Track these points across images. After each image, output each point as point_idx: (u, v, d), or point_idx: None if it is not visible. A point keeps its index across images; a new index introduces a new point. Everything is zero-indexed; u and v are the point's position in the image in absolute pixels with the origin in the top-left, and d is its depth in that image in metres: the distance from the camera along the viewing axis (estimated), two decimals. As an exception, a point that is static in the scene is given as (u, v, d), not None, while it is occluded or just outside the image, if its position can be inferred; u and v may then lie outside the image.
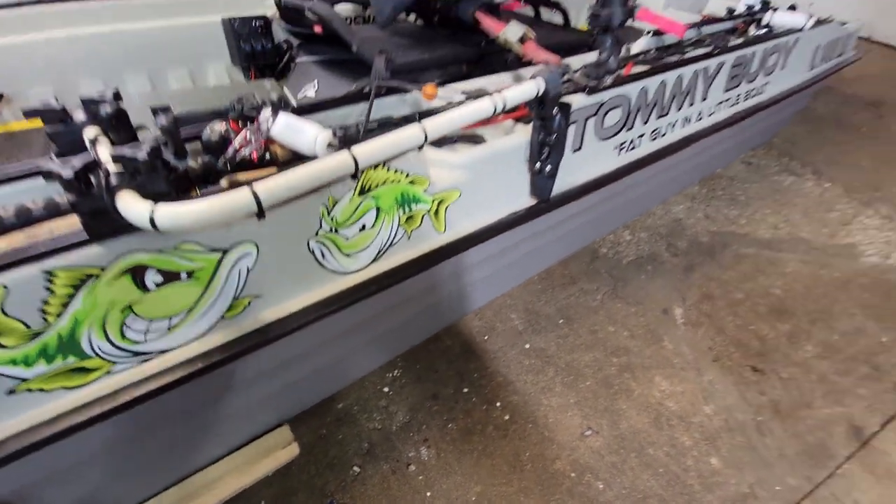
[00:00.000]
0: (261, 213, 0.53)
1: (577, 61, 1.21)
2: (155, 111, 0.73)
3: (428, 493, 1.13)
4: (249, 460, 0.95)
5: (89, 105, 0.63)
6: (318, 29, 1.36)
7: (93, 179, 0.55)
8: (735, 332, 1.52)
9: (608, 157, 1.15)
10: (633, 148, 1.21)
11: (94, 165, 0.53)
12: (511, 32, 1.11)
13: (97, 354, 0.59)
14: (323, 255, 0.74)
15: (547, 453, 1.23)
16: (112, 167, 0.53)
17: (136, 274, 0.58)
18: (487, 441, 1.24)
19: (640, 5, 1.47)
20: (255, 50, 1.51)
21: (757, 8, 1.81)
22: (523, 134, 0.92)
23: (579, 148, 1.06)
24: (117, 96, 0.64)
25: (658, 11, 2.47)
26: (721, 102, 1.45)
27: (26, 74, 1.22)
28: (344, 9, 1.71)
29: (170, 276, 0.61)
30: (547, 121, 0.86)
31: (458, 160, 0.86)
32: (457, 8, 1.22)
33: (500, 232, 0.95)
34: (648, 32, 1.46)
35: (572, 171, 1.07)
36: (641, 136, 1.22)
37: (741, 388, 1.37)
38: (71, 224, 0.58)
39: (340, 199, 0.71)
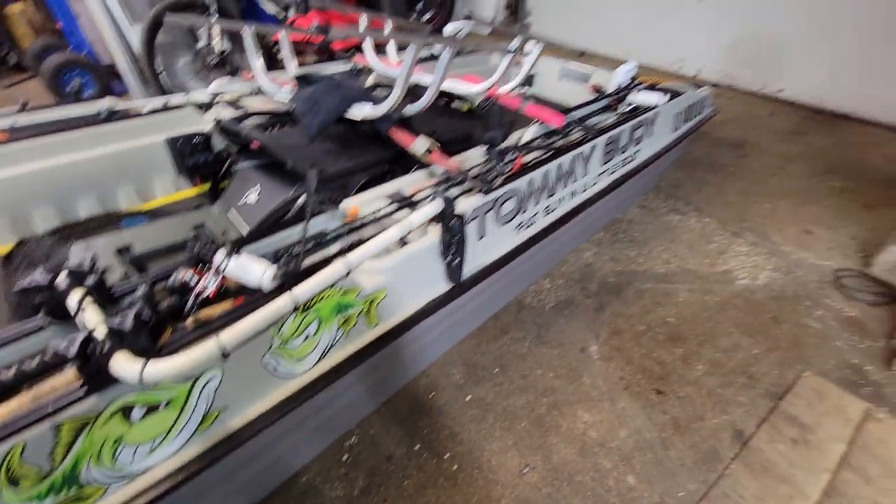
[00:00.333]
0: (226, 356, 0.71)
1: (477, 152, 1.48)
2: (121, 251, 0.89)
3: (390, 550, 1.27)
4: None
5: (74, 274, 0.79)
6: (254, 144, 1.56)
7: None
8: (640, 361, 1.80)
9: (509, 237, 1.40)
10: (530, 225, 1.48)
11: (90, 339, 0.68)
12: (419, 146, 1.37)
13: (94, 482, 0.72)
14: (276, 366, 0.91)
15: (492, 494, 1.41)
16: (103, 333, 0.69)
17: (125, 411, 0.73)
18: (440, 492, 1.40)
19: (527, 101, 1.80)
20: (198, 162, 1.69)
21: (626, 85, 2.21)
22: (434, 234, 1.14)
23: (483, 235, 1.30)
24: (95, 268, 0.80)
25: (554, 82, 2.88)
26: (601, 174, 1.77)
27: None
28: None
29: (151, 408, 0.76)
30: (449, 227, 1.10)
31: (382, 266, 1.06)
32: (374, 125, 1.46)
33: (424, 316, 1.16)
34: (536, 121, 1.77)
35: (480, 255, 1.31)
36: (535, 214, 1.49)
37: (648, 410, 1.63)
38: (67, 379, 0.72)
39: (287, 320, 0.89)
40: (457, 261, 1.16)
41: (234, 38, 3.46)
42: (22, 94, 4.34)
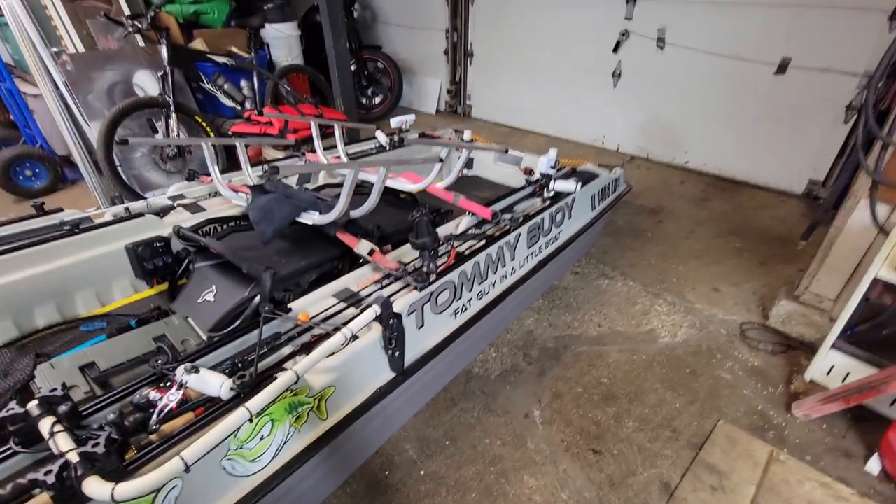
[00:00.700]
0: (188, 470, 0.82)
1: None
2: (85, 367, 1.00)
3: None
4: None
5: (46, 401, 0.89)
6: (212, 249, 1.70)
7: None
8: (579, 422, 1.97)
9: (447, 323, 1.59)
10: (465, 310, 1.68)
11: (66, 466, 0.78)
12: (362, 248, 1.56)
13: None
14: (233, 468, 1.02)
15: (445, 570, 1.48)
16: (75, 459, 0.79)
17: (94, 527, 0.81)
18: (395, 573, 1.47)
19: (458, 198, 2.06)
20: (157, 265, 1.80)
21: (550, 173, 2.53)
22: (376, 331, 1.31)
23: (422, 325, 1.48)
24: (68, 396, 0.91)
25: (492, 165, 3.20)
26: (527, 257, 2.01)
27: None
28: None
29: (117, 520, 0.84)
30: (388, 325, 1.27)
31: (329, 364, 1.21)
32: (323, 228, 1.65)
33: (372, 405, 1.29)
34: (470, 214, 2.01)
35: (420, 342, 1.48)
36: (470, 300, 1.69)
37: (586, 470, 1.78)
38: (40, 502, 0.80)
39: (242, 426, 1.01)
40: (397, 353, 1.32)
41: (192, 129, 3.67)
42: (-34, 185, 4.29)
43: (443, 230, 1.94)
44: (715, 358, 2.27)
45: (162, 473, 0.78)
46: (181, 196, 2.10)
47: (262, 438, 1.06)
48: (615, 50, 4.24)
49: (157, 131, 3.58)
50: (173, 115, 3.40)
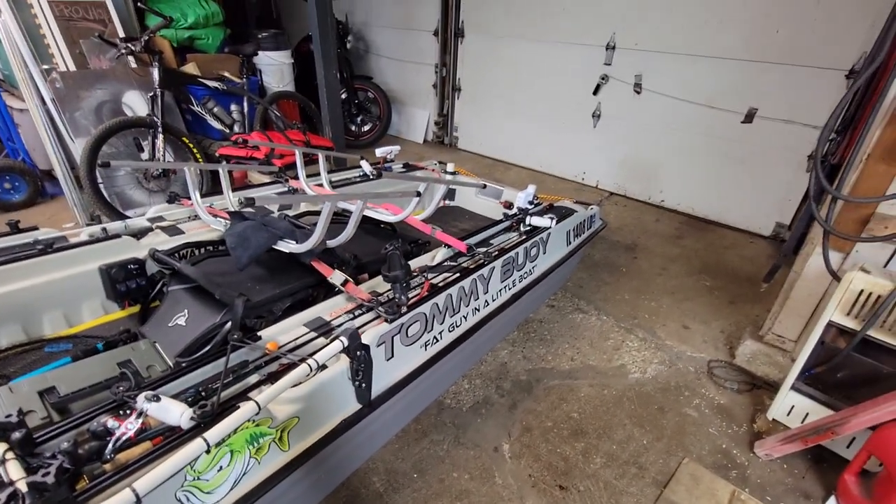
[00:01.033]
0: (139, 502, 0.82)
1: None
2: (45, 392, 0.99)
3: None
4: None
5: (1, 428, 0.88)
6: (186, 274, 1.71)
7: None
8: (547, 457, 1.97)
9: (417, 355, 1.61)
10: (437, 342, 1.70)
11: (14, 495, 0.78)
12: (336, 278, 1.59)
13: None
14: (189, 499, 1.01)
15: None
16: (24, 488, 0.79)
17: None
18: None
19: (435, 230, 2.12)
20: (130, 287, 1.80)
21: (527, 207, 2.60)
22: (344, 363, 1.32)
23: (391, 356, 1.50)
24: (23, 422, 0.90)
25: (472, 197, 3.28)
26: (500, 290, 2.06)
27: None
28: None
29: (63, 553, 0.83)
30: (355, 357, 1.29)
31: (293, 395, 1.22)
32: (299, 256, 1.68)
33: (336, 436, 1.30)
34: (446, 246, 2.06)
35: (389, 374, 1.49)
36: (441, 332, 1.72)
37: (552, 506, 1.78)
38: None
39: (200, 456, 1.01)
40: (364, 384, 1.33)
41: (178, 150, 3.69)
42: (-60, 195, 4.21)
43: (419, 261, 1.98)
44: (683, 395, 2.31)
45: (112, 504, 0.78)
46: (160, 218, 2.11)
47: (220, 469, 1.05)
48: (595, 92, 4.43)
49: (143, 150, 3.60)
50: (160, 136, 3.42)
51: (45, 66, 3.37)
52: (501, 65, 5.07)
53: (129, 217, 3.37)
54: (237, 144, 3.47)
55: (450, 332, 1.77)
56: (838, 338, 1.85)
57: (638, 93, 4.19)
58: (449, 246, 2.03)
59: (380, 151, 3.08)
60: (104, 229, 1.92)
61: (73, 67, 3.48)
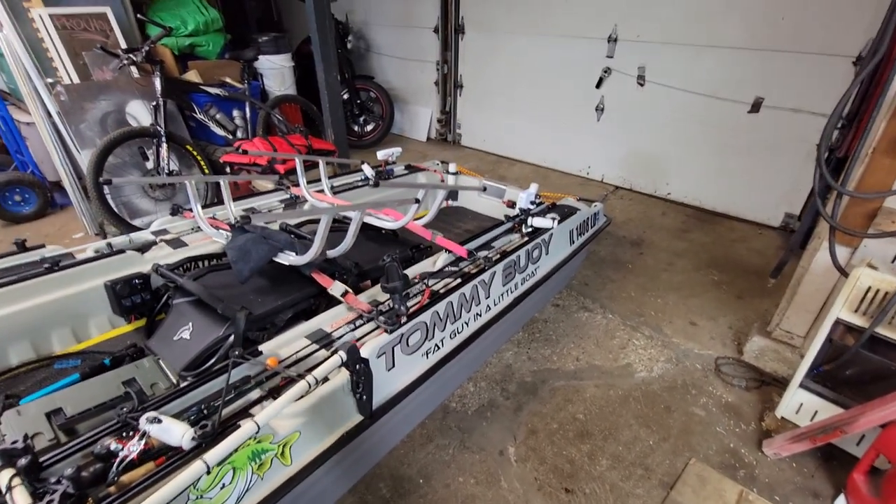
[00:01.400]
0: (144, 523, 0.84)
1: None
2: (52, 413, 1.02)
3: None
4: None
5: (5, 454, 0.91)
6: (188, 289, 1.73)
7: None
8: (553, 460, 1.98)
9: (418, 363, 1.61)
10: (438, 349, 1.71)
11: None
12: (336, 289, 1.60)
13: None
14: (193, 518, 1.03)
15: None
16: (31, 515, 0.81)
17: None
18: None
19: (436, 236, 2.11)
20: (136, 302, 1.83)
21: (529, 208, 2.59)
22: (344, 376, 1.33)
23: (392, 367, 1.51)
24: (29, 448, 0.93)
25: (476, 197, 3.27)
26: (502, 294, 2.06)
27: None
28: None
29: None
30: (355, 370, 1.30)
31: (294, 409, 1.23)
32: (300, 267, 1.69)
33: (339, 448, 1.31)
34: (447, 252, 2.05)
35: (390, 384, 1.50)
36: (442, 339, 1.72)
37: (558, 510, 1.79)
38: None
39: (201, 476, 1.02)
40: (364, 396, 1.34)
41: (183, 158, 3.73)
42: (-45, 209, 4.31)
43: (420, 267, 1.99)
44: (690, 393, 2.30)
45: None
46: (164, 231, 2.14)
47: (222, 487, 1.07)
48: (598, 86, 4.38)
49: (148, 159, 3.64)
50: (164, 145, 3.46)
51: (50, 80, 3.41)
52: (503, 60, 5.03)
53: (135, 226, 3.44)
54: (239, 151, 3.48)
55: (451, 338, 1.77)
56: (846, 335, 1.82)
57: (641, 85, 4.13)
58: (449, 251, 2.03)
59: (381, 154, 3.08)
60: (109, 244, 1.94)
61: (76, 80, 3.52)
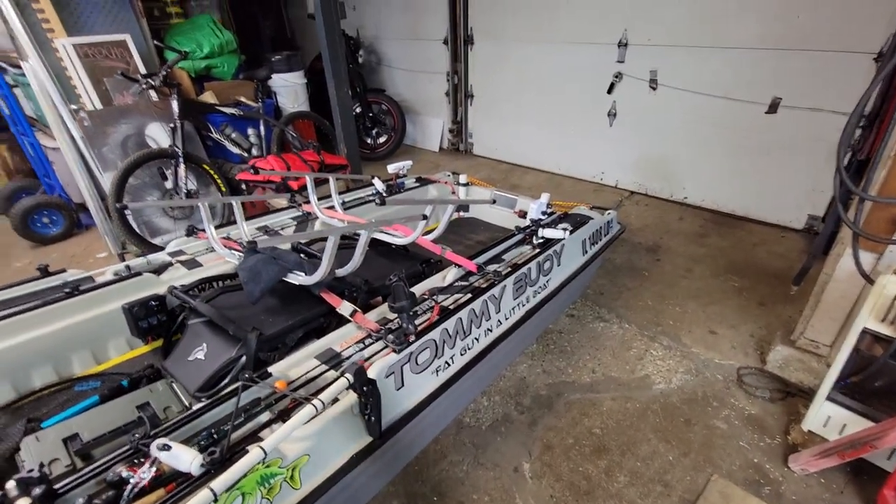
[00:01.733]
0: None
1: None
2: (68, 439, 1.04)
3: None
4: None
5: (23, 482, 0.93)
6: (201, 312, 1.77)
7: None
8: (569, 476, 1.94)
9: (428, 382, 1.60)
10: (448, 366, 1.69)
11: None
12: (344, 308, 1.61)
13: None
14: (202, 544, 1.04)
15: None
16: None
17: None
18: None
19: (445, 251, 2.11)
20: (153, 323, 1.87)
21: (540, 218, 2.56)
22: (352, 398, 1.34)
23: (402, 386, 1.51)
24: (44, 477, 0.95)
25: (487, 207, 3.26)
26: (514, 308, 2.04)
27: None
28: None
29: None
30: (363, 392, 1.30)
31: (303, 433, 1.23)
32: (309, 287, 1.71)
33: (349, 470, 1.31)
34: (457, 266, 2.05)
35: (400, 403, 1.50)
36: (453, 356, 1.71)
37: (575, 529, 1.75)
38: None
39: (210, 502, 1.03)
40: (373, 418, 1.34)
41: (200, 177, 3.82)
42: (-12, 232, 4.50)
43: (431, 282, 1.98)
44: (710, 406, 2.23)
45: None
46: (180, 252, 2.19)
47: (232, 512, 1.08)
48: (609, 91, 4.33)
49: (166, 179, 3.74)
50: (182, 165, 3.55)
51: (74, 106, 3.54)
52: (512, 69, 5.03)
53: (155, 244, 3.54)
54: (253, 170, 3.56)
55: (461, 355, 1.76)
56: (874, 345, 1.75)
57: (654, 89, 4.07)
58: (459, 265, 2.02)
59: (392, 167, 3.10)
60: (127, 267, 2.00)
61: (98, 105, 3.65)
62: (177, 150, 3.54)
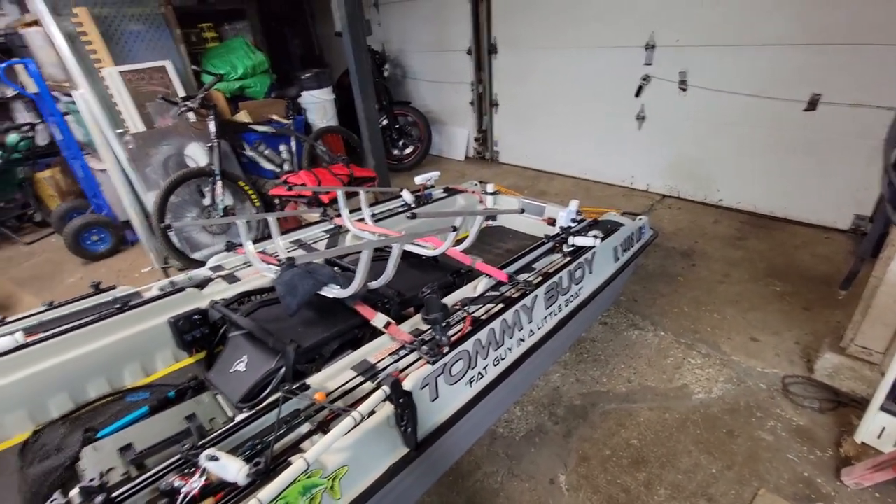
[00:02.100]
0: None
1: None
2: (123, 449, 1.10)
3: None
4: None
5: (85, 491, 0.99)
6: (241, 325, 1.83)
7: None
8: (606, 489, 1.90)
9: (462, 392, 1.61)
10: (481, 377, 1.70)
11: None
12: (378, 321, 1.64)
13: None
14: (249, 554, 1.07)
15: None
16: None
17: None
18: None
19: (476, 261, 2.12)
20: (196, 336, 1.95)
21: (570, 226, 2.54)
22: (388, 409, 1.36)
23: (436, 397, 1.52)
24: (103, 486, 1.01)
25: (515, 215, 3.25)
26: (546, 317, 2.02)
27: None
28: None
29: None
30: (399, 403, 1.32)
31: (342, 444, 1.26)
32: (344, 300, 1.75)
33: (387, 481, 1.33)
34: (487, 276, 2.05)
35: (435, 415, 1.51)
36: (486, 367, 1.72)
37: (614, 543, 1.71)
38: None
39: (257, 514, 1.07)
40: (409, 429, 1.36)
41: (236, 194, 3.97)
42: (43, 250, 4.80)
43: (462, 293, 2.00)
44: (754, 416, 2.15)
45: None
46: (220, 267, 2.28)
47: (277, 522, 1.11)
48: (637, 94, 4.27)
49: (204, 196, 3.90)
50: (219, 182, 3.70)
51: (119, 130, 3.75)
52: (537, 76, 5.03)
53: (195, 259, 3.69)
54: (286, 185, 3.67)
55: (495, 365, 1.76)
56: (933, 353, 1.65)
57: (684, 90, 3.99)
58: (490, 276, 2.03)
59: (419, 179, 3.15)
60: (172, 282, 2.10)
61: (142, 128, 3.85)
62: (214, 168, 3.69)
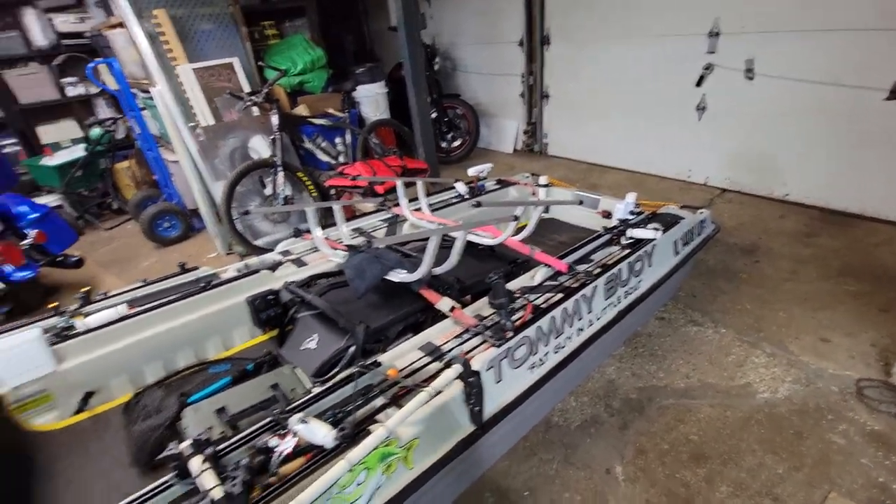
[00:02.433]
0: (301, 513, 0.98)
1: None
2: (219, 411, 1.22)
3: None
4: None
5: (197, 444, 1.11)
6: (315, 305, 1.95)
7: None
8: (665, 482, 1.88)
9: (524, 377, 1.65)
10: (542, 363, 1.73)
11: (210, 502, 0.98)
12: (443, 305, 1.70)
13: None
14: (334, 514, 1.16)
15: None
16: (219, 496, 0.98)
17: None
18: None
19: (534, 251, 2.15)
20: (270, 316, 2.09)
21: (628, 218, 2.51)
22: (458, 387, 1.42)
23: (500, 380, 1.57)
24: (210, 440, 1.12)
25: (569, 208, 3.24)
26: (605, 308, 2.02)
27: (106, 372, 1.76)
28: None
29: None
30: (468, 382, 1.37)
31: (415, 417, 1.33)
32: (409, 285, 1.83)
33: (454, 456, 1.39)
34: (546, 266, 2.07)
35: (499, 396, 1.56)
36: (546, 353, 1.74)
37: (674, 536, 1.70)
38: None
39: (345, 472, 1.16)
40: (477, 408, 1.41)
41: (295, 184, 4.16)
42: (120, 235, 5.21)
43: (519, 282, 2.03)
44: (825, 419, 2.06)
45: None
46: (288, 252, 2.42)
47: (358, 484, 1.19)
48: (699, 84, 4.11)
49: (265, 186, 4.11)
50: (280, 173, 3.89)
51: (191, 124, 4.01)
52: (591, 67, 4.94)
53: (258, 245, 3.90)
54: (343, 176, 3.82)
55: (555, 353, 1.79)
56: None
57: (750, 79, 3.81)
58: (548, 265, 2.04)
59: (472, 171, 3.19)
60: (246, 265, 2.25)
61: (211, 122, 4.10)
62: (275, 160, 3.88)
